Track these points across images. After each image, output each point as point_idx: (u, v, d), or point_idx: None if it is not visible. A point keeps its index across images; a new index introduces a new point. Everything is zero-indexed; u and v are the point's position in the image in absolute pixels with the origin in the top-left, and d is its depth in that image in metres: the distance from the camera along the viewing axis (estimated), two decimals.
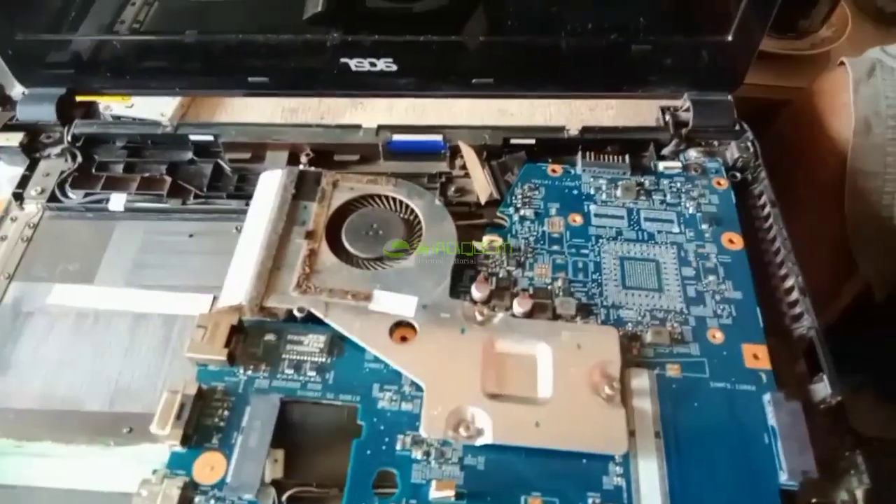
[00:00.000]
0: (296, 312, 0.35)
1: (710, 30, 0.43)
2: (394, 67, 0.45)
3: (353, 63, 0.45)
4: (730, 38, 0.43)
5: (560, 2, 0.43)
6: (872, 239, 0.58)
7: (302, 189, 0.41)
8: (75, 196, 0.44)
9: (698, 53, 0.44)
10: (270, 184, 0.41)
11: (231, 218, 0.42)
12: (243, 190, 0.44)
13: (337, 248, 0.39)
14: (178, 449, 0.31)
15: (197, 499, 0.30)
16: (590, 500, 0.30)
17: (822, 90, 0.62)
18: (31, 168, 0.45)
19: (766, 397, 0.33)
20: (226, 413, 0.32)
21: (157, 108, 0.55)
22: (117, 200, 0.43)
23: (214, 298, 0.38)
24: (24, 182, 0.44)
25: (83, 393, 0.36)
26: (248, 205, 0.42)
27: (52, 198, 0.44)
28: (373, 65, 0.45)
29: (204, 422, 0.32)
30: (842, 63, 0.58)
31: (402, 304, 0.36)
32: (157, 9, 0.45)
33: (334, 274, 0.37)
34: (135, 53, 0.45)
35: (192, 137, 0.45)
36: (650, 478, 0.31)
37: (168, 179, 0.44)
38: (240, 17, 0.45)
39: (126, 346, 0.37)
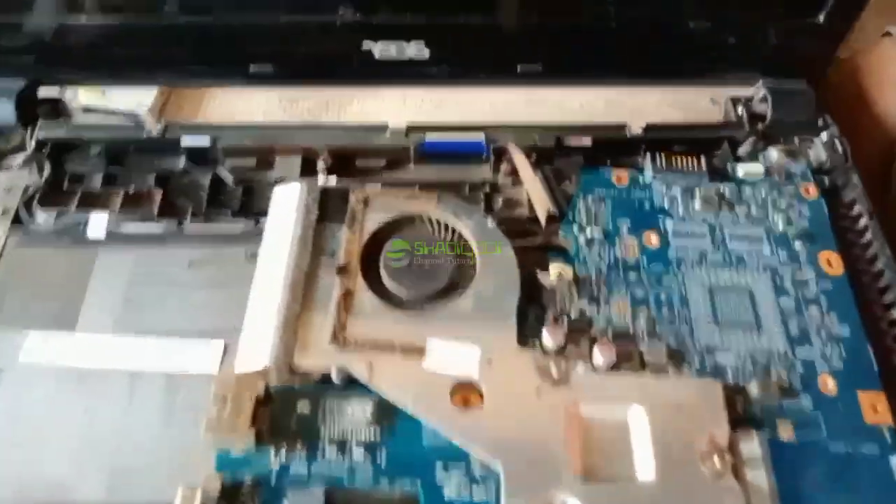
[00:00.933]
0: (334, 377, 0.29)
1: (799, 9, 0.37)
2: (426, 54, 0.38)
3: (378, 49, 0.37)
4: (821, 19, 0.36)
5: None
6: None
7: (327, 209, 0.34)
8: (46, 216, 0.36)
9: (780, 34, 0.38)
10: (287, 201, 0.34)
11: (238, 241, 0.35)
12: (251, 206, 0.37)
13: (373, 283, 0.32)
14: None
15: None
16: None
17: (866, 64, 0.57)
18: None
19: (894, 460, 0.29)
20: None
21: (136, 98, 0.46)
22: (97, 224, 0.36)
23: (226, 347, 0.31)
24: None
25: (72, 479, 0.29)
26: (257, 224, 0.35)
27: (17, 219, 0.36)
28: (401, 51, 0.37)
29: None
30: (888, 34, 0.52)
31: (463, 359, 0.29)
32: None
33: (376, 319, 0.31)
34: (110, 37, 0.37)
35: (185, 143, 0.38)
36: None
37: (158, 194, 0.37)
38: None
39: (122, 414, 0.30)
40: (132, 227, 0.36)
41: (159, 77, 0.40)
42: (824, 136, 0.39)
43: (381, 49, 0.37)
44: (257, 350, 0.29)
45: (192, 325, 0.33)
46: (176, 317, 0.33)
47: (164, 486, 0.27)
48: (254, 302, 0.31)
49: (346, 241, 0.33)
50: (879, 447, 0.29)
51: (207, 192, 0.37)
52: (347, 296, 0.31)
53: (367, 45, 0.37)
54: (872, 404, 0.30)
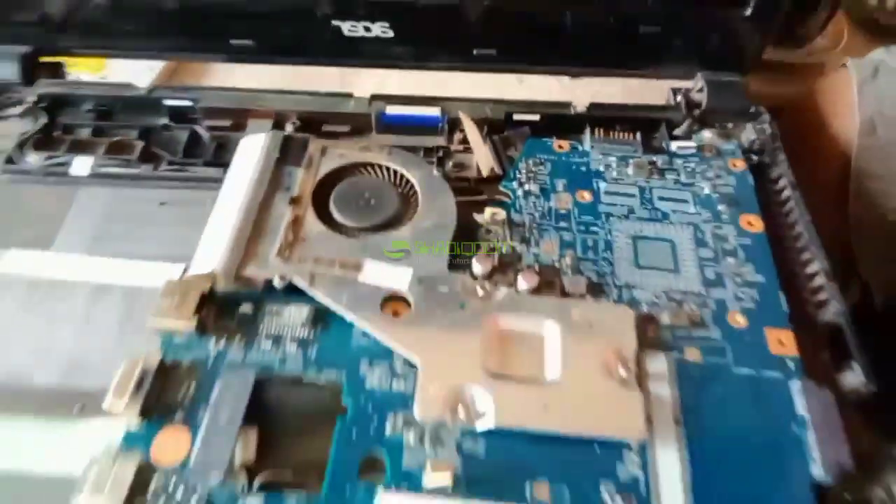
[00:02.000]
0: (276, 282, 0.31)
1: (726, 3, 0.41)
2: (390, 33, 0.42)
3: (347, 27, 0.42)
4: (748, 12, 0.40)
5: None
6: (876, 242, 0.56)
7: (287, 154, 0.37)
8: (36, 157, 0.40)
9: (712, 30, 0.42)
10: (252, 148, 0.37)
11: (208, 187, 0.38)
12: (222, 158, 0.40)
13: (324, 217, 0.35)
14: (135, 424, 0.27)
15: (155, 482, 0.26)
16: (602, 489, 0.27)
17: (824, 92, 0.61)
18: None
19: (795, 385, 0.30)
20: (192, 390, 0.28)
21: (133, 79, 0.51)
22: (82, 164, 0.39)
23: (185, 269, 0.34)
24: None
25: (31, 367, 0.31)
26: (226, 172, 0.38)
27: (9, 160, 0.40)
28: (367, 29, 0.42)
29: (166, 398, 0.28)
30: (844, 65, 0.57)
31: (396, 276, 0.32)
32: None
33: (321, 243, 0.33)
34: (109, 9, 0.42)
35: (168, 102, 0.42)
36: (670, 468, 0.28)
37: (139, 144, 0.40)
38: None
39: (83, 318, 0.33)
40: (112, 168, 0.39)
41: (153, 48, 0.44)
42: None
43: (350, 28, 0.42)
44: (209, 257, 0.32)
45: (157, 253, 0.36)
46: (143, 246, 0.36)
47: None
48: (212, 223, 0.34)
49: (301, 180, 0.36)
50: (782, 373, 0.31)
51: (184, 145, 0.41)
52: (297, 221, 0.34)
53: (337, 23, 0.42)
54: (779, 339, 0.32)
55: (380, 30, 0.42)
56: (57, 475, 0.28)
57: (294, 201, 0.35)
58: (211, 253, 0.32)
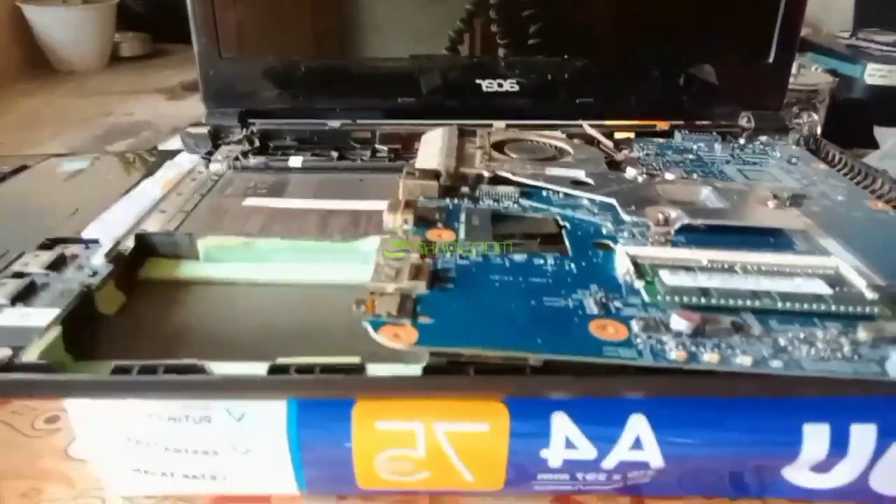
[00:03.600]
0: (486, 173, 0.41)
1: (754, 56, 0.57)
2: (517, 88, 0.57)
3: (485, 84, 0.57)
4: (770, 59, 0.57)
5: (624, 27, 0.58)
6: None
7: (464, 134, 0.49)
8: (256, 161, 0.51)
9: (746, 78, 0.58)
10: (435, 134, 0.49)
11: (394, 171, 0.49)
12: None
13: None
14: (408, 227, 0.34)
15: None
16: None
17: None
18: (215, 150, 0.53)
19: None
20: (443, 216, 0.36)
21: None
22: (295, 160, 0.51)
23: None
24: (208, 154, 0.52)
25: None
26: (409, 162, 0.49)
27: (236, 158, 0.51)
28: (500, 85, 0.57)
29: (426, 218, 0.36)
30: None
31: (574, 173, 0.42)
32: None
33: (510, 162, 0.44)
34: (304, 80, 0.57)
35: (354, 134, 0.55)
36: None
37: (335, 154, 0.52)
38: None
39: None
40: (317, 162, 0.51)
41: (336, 107, 0.58)
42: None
43: (487, 84, 0.57)
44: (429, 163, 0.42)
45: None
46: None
47: None
48: (420, 158, 0.44)
49: (480, 137, 0.48)
50: None
51: (370, 153, 0.53)
52: (487, 154, 0.45)
53: (479, 80, 0.57)
54: None
55: (509, 85, 0.57)
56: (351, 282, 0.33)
57: (480, 147, 0.46)
58: (429, 163, 0.42)
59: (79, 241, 0.36)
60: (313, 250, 0.35)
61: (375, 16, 0.58)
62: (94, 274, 0.32)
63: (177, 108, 0.86)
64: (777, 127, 0.57)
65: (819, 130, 0.71)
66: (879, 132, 0.80)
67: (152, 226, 0.39)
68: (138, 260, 0.35)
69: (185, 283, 0.34)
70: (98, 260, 0.33)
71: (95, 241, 0.35)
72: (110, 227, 0.40)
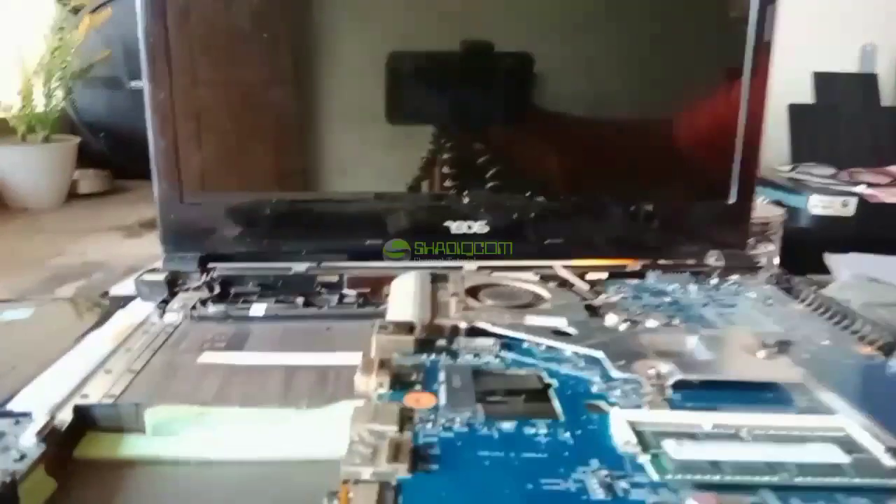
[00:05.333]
0: (462, 325, 0.39)
1: (713, 197, 0.59)
2: (486, 229, 0.57)
3: (454, 226, 0.56)
4: (731, 201, 0.58)
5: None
6: None
7: (437, 279, 0.48)
8: (215, 309, 0.48)
9: (710, 219, 0.59)
10: (406, 278, 0.48)
11: (365, 318, 0.46)
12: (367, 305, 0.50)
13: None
14: (384, 391, 0.31)
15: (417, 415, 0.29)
16: None
17: None
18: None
19: None
20: (421, 377, 0.33)
21: None
22: (257, 308, 0.48)
23: None
24: (163, 303, 0.49)
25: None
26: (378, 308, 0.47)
27: (193, 307, 0.47)
28: (469, 227, 0.57)
29: (402, 379, 0.33)
30: None
31: (555, 322, 0.40)
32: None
33: (487, 311, 0.42)
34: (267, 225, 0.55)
35: (320, 278, 0.53)
36: None
37: (300, 301, 0.49)
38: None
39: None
40: (281, 310, 0.48)
41: (302, 250, 0.56)
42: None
43: (456, 226, 0.56)
44: (404, 314, 0.40)
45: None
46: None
47: None
48: (392, 305, 0.42)
49: (454, 283, 0.46)
50: None
51: (337, 299, 0.50)
52: (461, 302, 0.43)
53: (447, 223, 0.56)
54: None
55: (478, 227, 0.57)
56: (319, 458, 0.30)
57: (454, 294, 0.44)
58: (402, 313, 0.40)
59: (7, 414, 0.31)
60: (276, 420, 0.32)
61: (341, 157, 0.58)
62: (22, 458, 0.28)
63: (133, 246, 0.83)
64: (746, 265, 0.57)
65: (777, 260, 0.73)
66: (830, 259, 0.82)
67: (95, 391, 0.35)
68: (75, 436, 0.31)
69: (128, 462, 0.30)
70: (28, 440, 0.29)
71: (27, 415, 0.31)
72: (47, 393, 0.36)
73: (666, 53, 0.59)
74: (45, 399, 0.35)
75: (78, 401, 0.33)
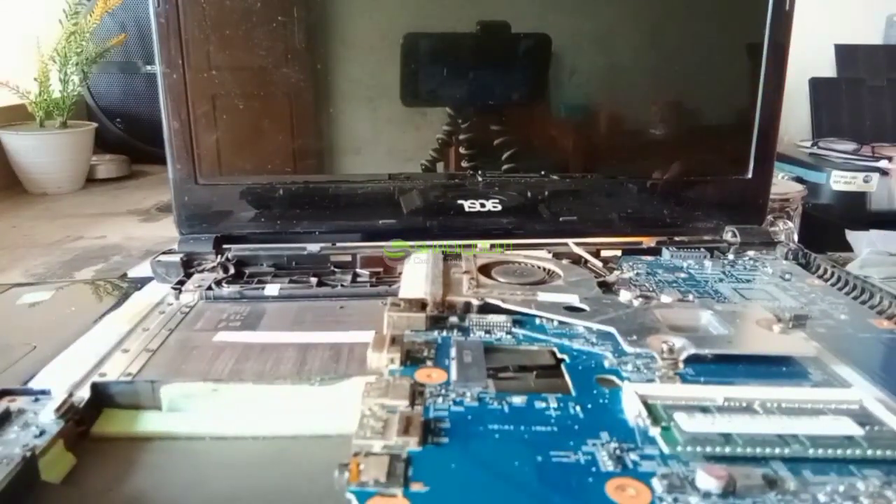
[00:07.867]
0: (475, 302, 0.39)
1: (732, 172, 0.58)
2: (499, 207, 0.56)
3: (467, 204, 0.56)
4: (748, 175, 0.57)
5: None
6: None
7: (448, 257, 0.47)
8: (230, 290, 0.48)
9: (728, 194, 0.58)
10: (417, 259, 0.48)
11: (382, 297, 0.46)
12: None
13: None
14: (395, 367, 0.32)
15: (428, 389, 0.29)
16: None
17: None
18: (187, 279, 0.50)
19: None
20: (432, 352, 0.34)
21: None
22: (271, 288, 0.48)
23: None
24: (179, 283, 0.49)
25: None
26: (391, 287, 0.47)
27: (209, 288, 0.48)
28: (483, 206, 0.56)
29: (414, 355, 0.33)
30: None
31: (568, 298, 0.40)
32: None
33: (499, 287, 0.42)
34: (284, 204, 0.56)
35: (334, 258, 0.53)
36: None
37: (314, 281, 0.50)
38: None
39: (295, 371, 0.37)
40: (295, 290, 0.48)
41: (315, 230, 0.56)
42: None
43: (469, 204, 0.56)
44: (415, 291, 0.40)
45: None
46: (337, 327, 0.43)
47: None
48: (405, 284, 0.42)
49: (466, 261, 0.46)
50: None
51: (351, 278, 0.50)
52: (473, 279, 0.42)
53: (461, 201, 0.56)
54: None
55: (491, 205, 0.56)
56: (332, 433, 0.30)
57: (466, 272, 0.44)
58: (414, 291, 0.40)
59: (28, 392, 0.32)
60: (289, 396, 0.32)
61: (355, 138, 0.58)
62: (41, 434, 0.28)
63: (150, 230, 0.84)
64: (763, 241, 0.56)
65: (796, 237, 0.72)
66: (851, 235, 0.80)
67: (113, 369, 0.36)
68: (93, 412, 0.31)
69: (144, 438, 0.30)
70: (47, 416, 0.29)
71: (47, 393, 0.32)
72: (66, 371, 0.37)
73: (683, 27, 0.58)
74: (64, 378, 0.36)
75: (96, 378, 0.33)
